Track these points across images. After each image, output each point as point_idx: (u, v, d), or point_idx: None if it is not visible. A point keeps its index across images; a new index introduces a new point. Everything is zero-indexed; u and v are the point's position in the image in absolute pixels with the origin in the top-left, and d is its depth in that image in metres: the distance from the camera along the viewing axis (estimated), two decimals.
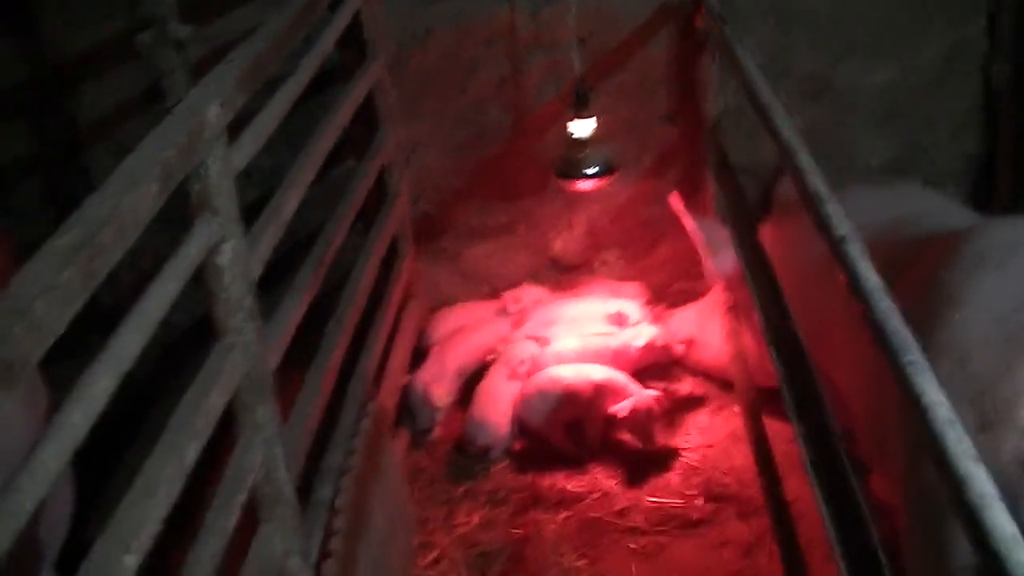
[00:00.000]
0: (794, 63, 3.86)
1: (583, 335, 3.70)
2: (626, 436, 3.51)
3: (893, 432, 2.28)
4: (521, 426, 3.56)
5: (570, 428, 3.58)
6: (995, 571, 1.26)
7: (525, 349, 3.75)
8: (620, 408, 3.43)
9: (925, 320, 2.12)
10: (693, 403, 3.77)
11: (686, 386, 3.82)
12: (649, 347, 3.60)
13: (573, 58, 3.56)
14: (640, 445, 3.47)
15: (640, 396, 3.43)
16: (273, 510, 2.16)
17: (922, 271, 2.37)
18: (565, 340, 3.73)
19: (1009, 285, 2.18)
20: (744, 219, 3.20)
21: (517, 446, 3.59)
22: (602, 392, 3.50)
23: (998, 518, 1.29)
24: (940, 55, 3.95)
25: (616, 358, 3.67)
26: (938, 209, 3.04)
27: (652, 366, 3.80)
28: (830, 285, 2.15)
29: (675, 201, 3.41)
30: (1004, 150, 4.01)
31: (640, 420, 3.43)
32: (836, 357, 2.62)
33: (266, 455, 2.09)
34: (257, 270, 2.11)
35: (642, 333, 3.67)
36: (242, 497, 1.95)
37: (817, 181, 2.22)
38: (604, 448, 3.55)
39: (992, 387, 2.07)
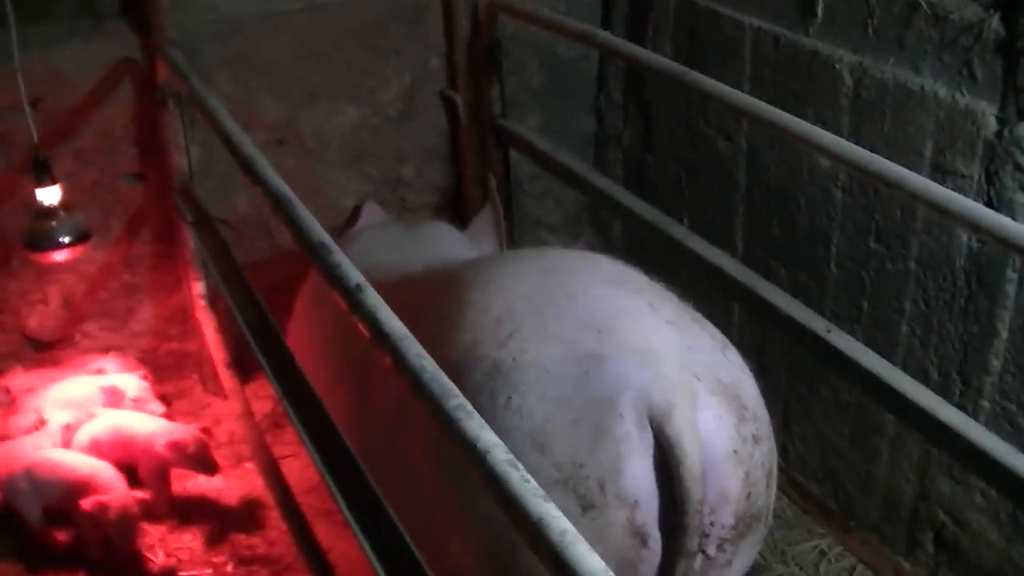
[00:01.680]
0: (257, 113, 4.04)
1: (110, 420, 3.61)
2: (100, 538, 3.42)
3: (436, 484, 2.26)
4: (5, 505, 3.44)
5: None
6: None
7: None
8: (87, 502, 3.37)
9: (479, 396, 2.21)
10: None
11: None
12: (178, 447, 3.37)
13: (28, 123, 3.26)
14: (117, 548, 3.42)
15: (116, 494, 3.37)
16: None
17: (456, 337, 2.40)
18: (90, 425, 3.59)
19: (556, 359, 2.24)
20: (232, 275, 3.11)
21: None
22: (87, 487, 3.41)
23: (583, 555, 1.29)
24: (402, 92, 4.30)
25: (139, 452, 3.56)
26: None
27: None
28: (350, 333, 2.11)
29: None
30: (470, 176, 4.40)
31: (115, 521, 3.35)
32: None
33: None
34: None
35: (175, 432, 3.42)
36: None
37: (319, 231, 2.18)
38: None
39: (583, 470, 2.15)
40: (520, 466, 1.52)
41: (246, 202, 4.04)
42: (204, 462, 3.52)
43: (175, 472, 3.59)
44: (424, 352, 1.80)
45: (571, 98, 4.55)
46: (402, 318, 1.93)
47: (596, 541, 1.39)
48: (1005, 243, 2.20)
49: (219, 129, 3.00)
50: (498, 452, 1.55)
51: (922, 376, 3.20)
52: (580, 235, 4.74)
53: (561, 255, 2.73)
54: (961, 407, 3.04)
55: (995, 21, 2.88)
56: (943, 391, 3.12)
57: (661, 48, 4.08)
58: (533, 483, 1.48)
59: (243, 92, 3.98)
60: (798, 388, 3.75)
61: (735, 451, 2.22)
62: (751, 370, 3.88)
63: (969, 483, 3.18)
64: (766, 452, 2.31)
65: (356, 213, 3.71)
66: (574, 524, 1.42)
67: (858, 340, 3.03)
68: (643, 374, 2.18)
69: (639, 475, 2.14)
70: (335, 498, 2.41)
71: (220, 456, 3.73)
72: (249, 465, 3.72)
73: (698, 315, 2.51)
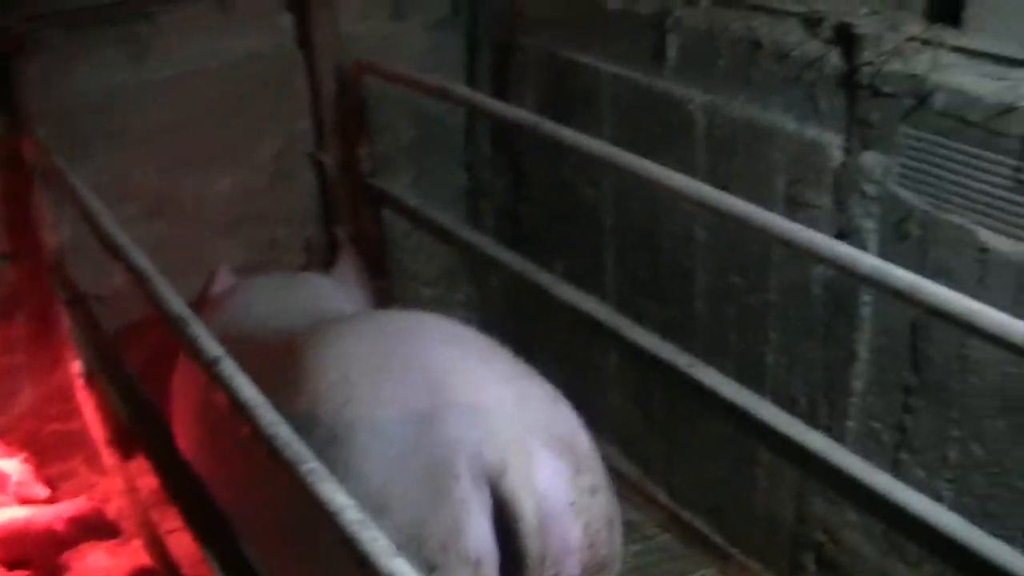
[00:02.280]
0: (133, 184, 4.01)
1: None
2: None
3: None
4: None
5: None
6: None
7: None
8: None
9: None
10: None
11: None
12: (78, 521, 3.33)
13: None
14: None
15: None
16: None
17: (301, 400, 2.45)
18: None
19: (391, 422, 2.31)
20: (104, 353, 3.10)
21: None
22: None
23: None
24: (274, 155, 4.33)
25: (36, 541, 3.38)
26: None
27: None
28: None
29: None
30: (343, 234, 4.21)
31: None
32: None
33: None
34: None
35: (68, 508, 3.38)
36: None
37: (178, 305, 2.19)
38: None
39: (424, 531, 2.20)
40: (372, 525, 1.57)
41: (121, 276, 4.01)
42: (106, 529, 3.49)
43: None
44: (279, 419, 1.84)
45: (441, 153, 4.60)
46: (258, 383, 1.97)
47: None
48: (844, 269, 2.29)
49: (81, 205, 3.00)
50: (350, 513, 1.59)
51: (790, 401, 3.29)
52: (457, 288, 4.78)
53: (396, 317, 2.83)
54: (829, 429, 3.15)
55: (835, 56, 2.99)
56: (811, 415, 3.22)
57: (524, 98, 4.16)
58: (383, 541, 1.53)
59: (118, 164, 3.95)
60: (678, 424, 3.81)
61: (573, 503, 2.29)
62: (633, 409, 3.97)
63: (843, 502, 3.26)
64: (605, 502, 2.40)
65: (211, 280, 3.73)
66: None
67: (728, 372, 3.10)
68: (475, 433, 2.24)
69: (479, 534, 2.19)
70: (215, 572, 2.42)
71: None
72: (135, 543, 3.68)
73: (530, 369, 2.60)
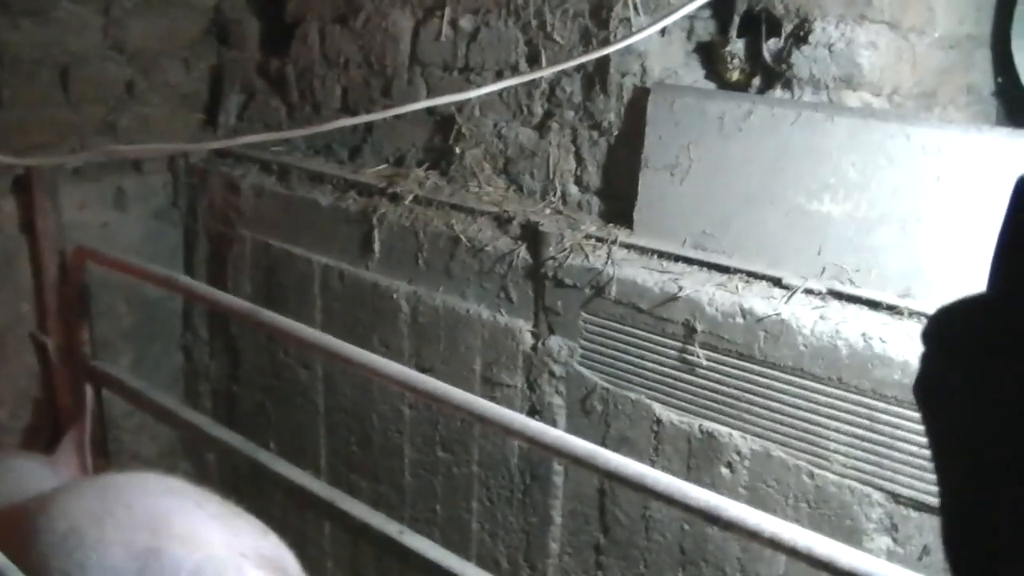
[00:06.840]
0: None
1: None
2: None
3: None
4: None
5: None
6: None
7: None
8: None
9: None
10: None
11: None
12: None
13: None
14: None
15: None
16: None
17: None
18: None
19: (118, 560, 2.45)
20: None
21: None
22: None
23: None
24: None
25: None
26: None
27: None
28: None
29: None
30: (65, 417, 4.36)
31: None
32: None
33: None
34: None
35: None
36: None
37: None
38: None
39: None
40: None
41: None
42: None
43: None
44: None
45: (160, 337, 4.66)
46: None
47: None
48: (533, 441, 2.51)
49: None
50: None
51: (494, 565, 3.46)
52: (176, 466, 4.77)
53: (116, 476, 2.98)
54: None
55: (523, 251, 3.27)
56: None
57: (241, 286, 4.28)
58: None
59: None
60: None
61: None
62: None
63: None
64: None
65: None
66: None
67: (436, 539, 3.25)
68: (194, 556, 2.44)
69: None
70: None
71: None
72: None
73: (240, 510, 2.79)
